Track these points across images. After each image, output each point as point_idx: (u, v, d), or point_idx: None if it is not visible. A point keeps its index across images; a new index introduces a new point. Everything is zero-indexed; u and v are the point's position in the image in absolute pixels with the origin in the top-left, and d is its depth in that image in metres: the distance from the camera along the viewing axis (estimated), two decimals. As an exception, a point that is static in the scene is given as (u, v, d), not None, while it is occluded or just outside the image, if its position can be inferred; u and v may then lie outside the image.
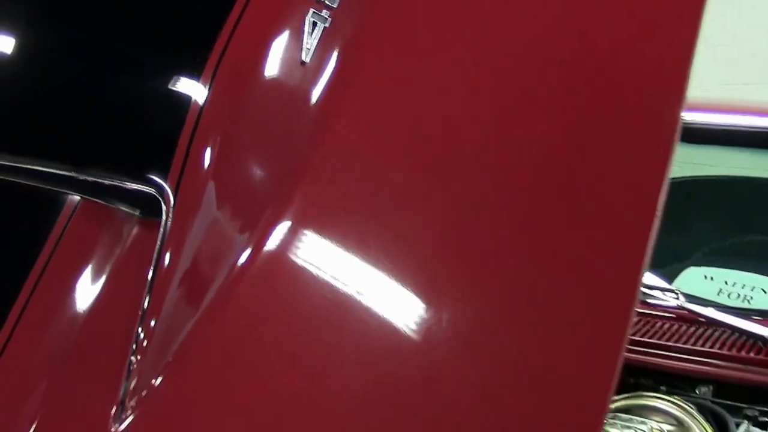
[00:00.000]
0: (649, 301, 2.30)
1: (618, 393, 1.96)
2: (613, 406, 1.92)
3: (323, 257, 1.14)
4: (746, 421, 1.89)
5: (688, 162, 2.84)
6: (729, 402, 1.95)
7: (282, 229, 1.12)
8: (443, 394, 1.12)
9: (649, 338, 2.12)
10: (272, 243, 1.12)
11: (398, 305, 1.13)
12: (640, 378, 2.05)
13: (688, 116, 2.73)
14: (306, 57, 1.17)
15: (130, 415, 1.07)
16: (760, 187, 2.84)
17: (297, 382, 1.10)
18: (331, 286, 1.13)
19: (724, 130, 2.71)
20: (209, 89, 1.15)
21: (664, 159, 1.18)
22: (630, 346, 2.10)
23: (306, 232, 1.14)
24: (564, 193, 1.20)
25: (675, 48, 1.25)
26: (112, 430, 1.07)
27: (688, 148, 2.74)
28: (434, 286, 1.16)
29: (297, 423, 1.09)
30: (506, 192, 1.20)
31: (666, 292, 2.29)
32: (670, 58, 1.24)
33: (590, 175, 1.21)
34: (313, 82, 1.17)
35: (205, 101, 1.14)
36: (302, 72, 1.17)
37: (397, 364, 1.12)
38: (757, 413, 1.90)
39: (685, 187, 2.90)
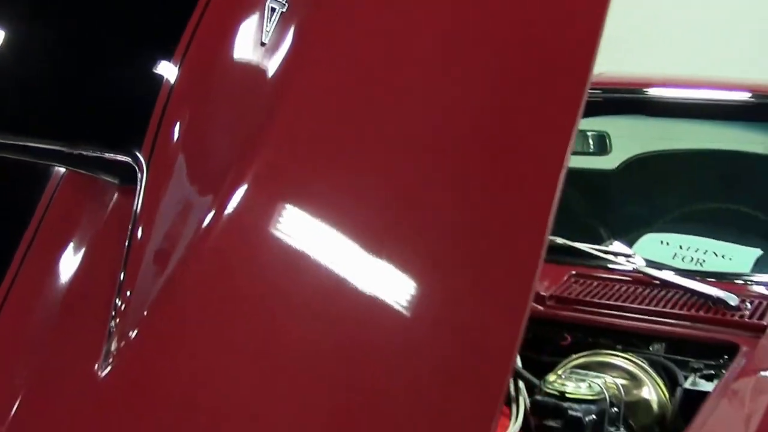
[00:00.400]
0: (609, 266, 2.36)
1: (577, 352, 2.04)
2: (572, 363, 2.00)
3: (280, 215, 1.27)
4: (693, 374, 1.97)
5: (650, 136, 2.93)
6: (679, 357, 2.02)
7: (242, 191, 1.24)
8: (377, 327, 1.25)
9: (607, 300, 2.19)
10: (233, 204, 1.24)
11: (345, 253, 1.26)
12: (599, 338, 2.10)
13: (653, 91, 2.83)
14: (265, 38, 1.29)
15: (111, 363, 1.20)
16: (713, 159, 2.92)
17: (256, 326, 1.23)
18: (288, 240, 1.26)
19: (680, 103, 2.79)
20: (179, 69, 1.27)
21: (572, 116, 1.28)
22: (589, 308, 2.18)
23: (263, 193, 1.27)
24: (486, 147, 1.32)
25: (588, 13, 1.36)
26: (99, 374, 1.19)
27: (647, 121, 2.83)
28: (377, 235, 1.28)
29: (254, 359, 1.22)
30: (440, 152, 1.32)
31: (625, 257, 2.36)
32: (584, 19, 1.35)
33: (510, 128, 1.33)
34: (271, 60, 1.30)
35: (176, 80, 1.27)
36: (262, 52, 1.30)
37: (341, 303, 1.24)
38: (702, 366, 1.97)
39: (643, 162, 2.98)
